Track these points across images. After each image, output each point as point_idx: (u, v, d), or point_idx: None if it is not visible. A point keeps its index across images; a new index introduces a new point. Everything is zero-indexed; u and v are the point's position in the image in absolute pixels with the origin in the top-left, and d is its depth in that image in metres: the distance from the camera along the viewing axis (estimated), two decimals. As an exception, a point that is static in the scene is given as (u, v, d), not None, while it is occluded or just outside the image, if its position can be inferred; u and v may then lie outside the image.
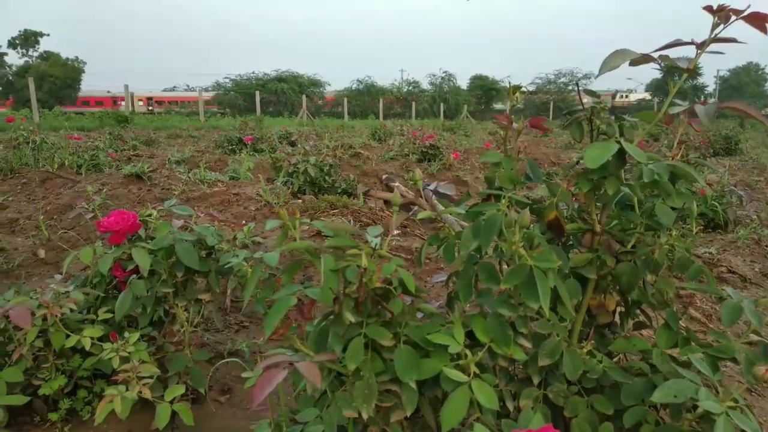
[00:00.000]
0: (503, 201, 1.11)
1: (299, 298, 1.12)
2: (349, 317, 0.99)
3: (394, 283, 1.06)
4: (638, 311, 1.36)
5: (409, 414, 1.05)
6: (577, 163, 1.25)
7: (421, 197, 4.18)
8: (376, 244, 1.12)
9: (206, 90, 40.31)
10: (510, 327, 1.07)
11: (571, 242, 1.34)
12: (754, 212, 4.55)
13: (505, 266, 1.16)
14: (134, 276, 1.79)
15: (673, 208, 1.20)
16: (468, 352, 1.05)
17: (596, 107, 1.20)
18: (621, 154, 1.13)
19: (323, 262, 1.05)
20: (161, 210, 1.85)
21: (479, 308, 1.16)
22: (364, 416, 1.03)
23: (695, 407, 1.06)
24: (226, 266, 1.82)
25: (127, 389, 1.50)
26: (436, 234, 1.27)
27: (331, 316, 1.10)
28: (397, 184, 5.76)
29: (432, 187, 3.93)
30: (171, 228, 1.80)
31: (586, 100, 1.30)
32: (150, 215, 1.86)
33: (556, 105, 40.47)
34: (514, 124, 1.30)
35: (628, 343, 1.22)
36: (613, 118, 1.21)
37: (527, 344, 1.09)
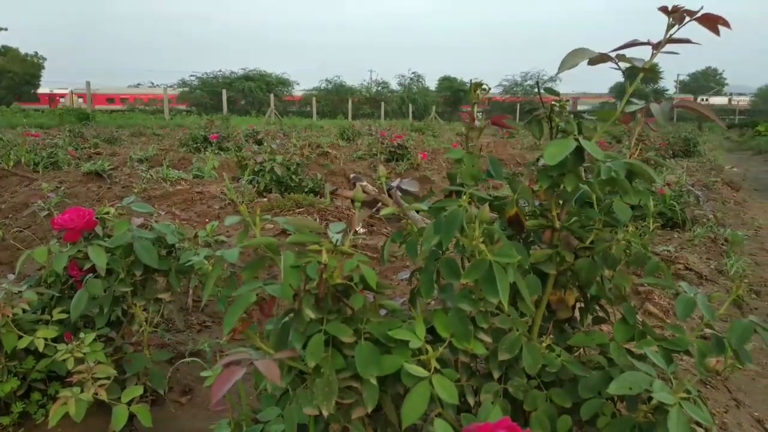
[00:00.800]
0: (464, 197, 1.11)
1: (261, 297, 1.10)
2: (309, 314, 0.98)
3: (355, 279, 1.05)
4: (597, 306, 1.38)
5: (369, 410, 1.05)
6: (537, 160, 1.27)
7: (385, 194, 4.19)
8: (337, 241, 1.11)
9: (171, 87, 39.60)
10: (471, 322, 1.08)
11: (531, 239, 1.35)
12: (711, 211, 4.69)
13: (467, 262, 1.16)
14: (90, 275, 1.74)
15: (631, 207, 1.23)
16: (429, 347, 1.05)
17: (555, 106, 1.22)
18: (579, 151, 1.15)
19: (283, 259, 1.04)
20: (120, 207, 1.81)
21: (442, 305, 1.16)
22: (325, 413, 1.02)
23: (650, 399, 1.08)
24: (186, 264, 1.78)
25: (82, 391, 1.46)
26: (400, 231, 1.27)
27: (292, 314, 1.09)
28: (364, 183, 5.75)
29: (395, 183, 3.94)
30: (130, 226, 1.76)
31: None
32: (107, 213, 1.81)
33: (522, 107, 41.06)
34: (477, 122, 1.31)
35: (586, 337, 1.24)
36: (572, 116, 1.22)
37: (487, 339, 1.09)
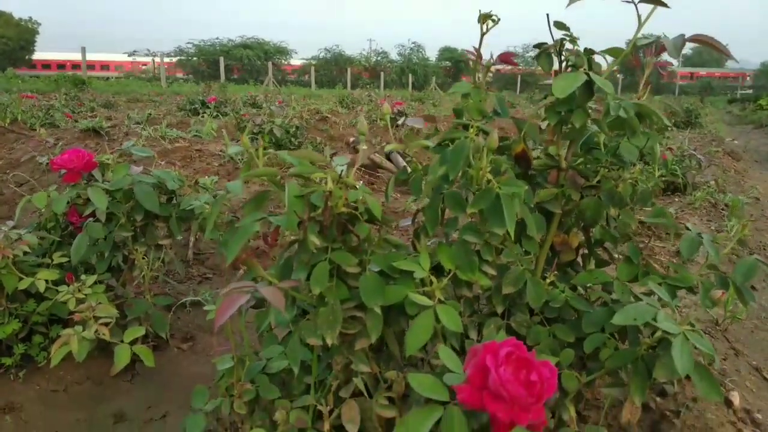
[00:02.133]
0: (471, 129, 1.10)
1: (264, 233, 1.09)
2: (315, 241, 0.97)
3: (360, 209, 1.04)
4: (600, 250, 1.38)
5: (373, 340, 1.05)
6: (545, 97, 1.25)
7: (389, 130, 4.16)
8: (342, 172, 1.09)
9: (168, 55, 39.02)
10: (475, 254, 1.07)
11: (537, 180, 1.34)
12: (712, 177, 4.69)
13: (471, 197, 1.15)
14: (91, 219, 1.72)
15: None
16: (433, 278, 1.05)
17: (565, 39, 1.19)
18: (588, 86, 1.13)
19: (288, 188, 1.03)
20: (119, 151, 1.79)
21: (446, 239, 1.15)
22: (329, 342, 1.02)
23: (653, 333, 1.08)
24: (187, 209, 1.77)
25: (84, 330, 1.46)
26: (404, 169, 1.25)
27: (296, 245, 1.08)
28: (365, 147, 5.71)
29: (400, 122, 3.92)
30: (129, 170, 1.74)
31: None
32: (107, 158, 1.79)
33: (524, 79, 40.68)
34: (484, 59, 1.28)
35: (590, 276, 1.23)
36: (582, 50, 1.20)
37: (492, 271, 1.09)
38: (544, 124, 1.27)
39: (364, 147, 1.19)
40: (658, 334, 1.07)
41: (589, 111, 1.19)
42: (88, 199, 1.63)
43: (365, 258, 1.06)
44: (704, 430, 1.21)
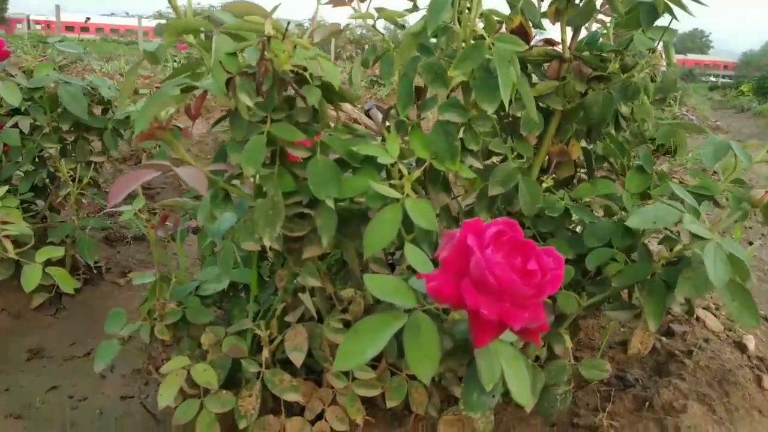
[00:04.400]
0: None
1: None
2: (246, 100, 0.73)
3: (311, 71, 0.80)
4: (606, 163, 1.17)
5: (326, 245, 0.83)
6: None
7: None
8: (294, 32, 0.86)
9: (147, 18, 37.72)
10: (458, 140, 0.85)
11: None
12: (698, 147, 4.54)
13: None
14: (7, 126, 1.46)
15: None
16: (403, 167, 0.83)
17: None
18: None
19: (216, 42, 0.78)
20: (42, 47, 1.52)
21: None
22: (267, 244, 0.80)
23: (671, 249, 0.88)
24: (123, 119, 1.52)
25: (-15, 245, 1.21)
26: (372, 47, 1.02)
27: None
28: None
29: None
30: (54, 71, 1.48)
31: None
32: (27, 56, 1.53)
33: None
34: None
35: (592, 187, 1.02)
36: None
37: (477, 163, 0.87)
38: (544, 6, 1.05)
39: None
40: (678, 248, 0.87)
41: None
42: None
43: (317, 140, 0.83)
44: (720, 372, 1.03)
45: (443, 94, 0.84)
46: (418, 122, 0.87)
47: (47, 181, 1.61)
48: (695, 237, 0.79)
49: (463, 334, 0.71)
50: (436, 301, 0.58)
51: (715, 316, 1.29)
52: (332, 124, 0.88)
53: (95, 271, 1.66)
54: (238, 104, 0.76)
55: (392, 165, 0.84)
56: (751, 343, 1.18)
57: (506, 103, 0.75)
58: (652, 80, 1.02)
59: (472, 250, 0.54)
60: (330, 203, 0.79)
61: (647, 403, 0.96)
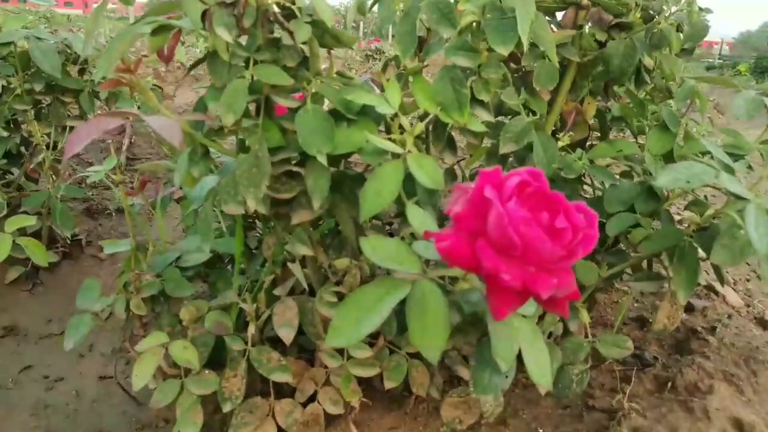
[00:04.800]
0: None
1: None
2: (224, 35, 0.63)
3: (299, 3, 0.70)
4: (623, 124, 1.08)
5: (317, 207, 0.73)
6: None
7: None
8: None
9: (139, -7, 36.97)
10: (467, 89, 0.75)
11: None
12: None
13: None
14: (-25, 87, 1.36)
15: None
16: (404, 121, 0.73)
17: None
18: None
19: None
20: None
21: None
22: (250, 206, 0.70)
23: (702, 214, 0.79)
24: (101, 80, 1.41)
25: (-53, 213, 1.12)
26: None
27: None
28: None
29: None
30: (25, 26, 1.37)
31: None
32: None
33: None
34: None
35: (610, 147, 0.93)
36: None
37: (487, 116, 0.77)
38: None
39: None
40: (710, 212, 0.78)
41: None
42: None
43: (306, 88, 0.73)
44: (747, 350, 0.95)
45: (451, 35, 0.74)
46: (420, 67, 0.77)
47: (22, 148, 1.51)
48: (733, 199, 0.71)
49: (473, 306, 0.62)
50: (447, 263, 0.49)
51: (734, 290, 1.21)
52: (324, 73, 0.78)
53: (75, 245, 1.57)
54: (216, 41, 0.66)
55: (393, 118, 0.75)
56: (775, 319, 1.10)
57: (525, 42, 0.65)
58: (678, 29, 0.93)
59: (490, 203, 0.45)
60: (322, 160, 0.70)
61: (669, 384, 0.88)
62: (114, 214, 1.76)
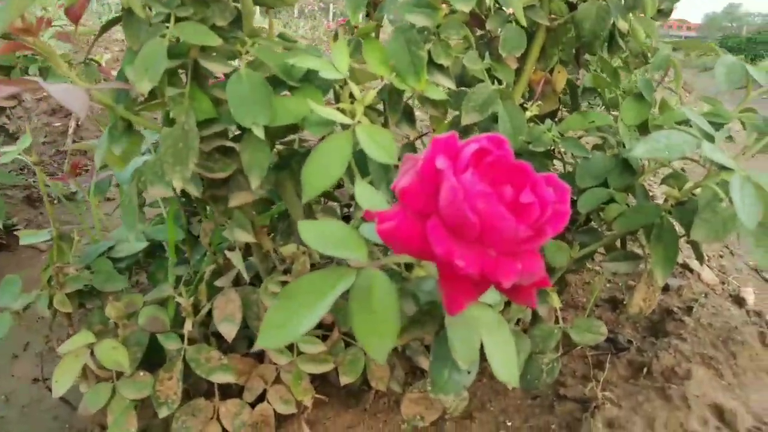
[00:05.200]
0: None
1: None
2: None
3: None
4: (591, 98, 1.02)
5: (255, 187, 0.65)
6: None
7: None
8: None
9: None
10: (424, 51, 0.67)
11: None
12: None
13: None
14: None
15: None
16: (355, 88, 0.65)
17: None
18: None
19: None
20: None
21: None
22: (177, 186, 0.61)
23: (680, 188, 0.73)
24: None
25: None
26: None
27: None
28: None
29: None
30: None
31: None
32: None
33: None
34: None
35: (582, 118, 0.86)
36: None
37: (447, 82, 0.69)
38: None
39: None
40: (689, 185, 0.72)
41: None
42: None
43: (240, 49, 0.64)
44: (725, 330, 0.90)
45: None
46: (372, 27, 0.68)
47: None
48: (714, 170, 0.65)
49: (430, 294, 0.55)
50: (392, 248, 0.41)
51: (708, 267, 1.17)
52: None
53: (12, 235, 1.45)
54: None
55: (341, 85, 0.66)
56: (750, 296, 1.06)
57: (485, -4, 0.58)
58: (654, -11, 0.86)
59: (443, 175, 0.37)
60: (258, 132, 0.61)
61: (645, 369, 0.83)
62: (56, 201, 1.64)
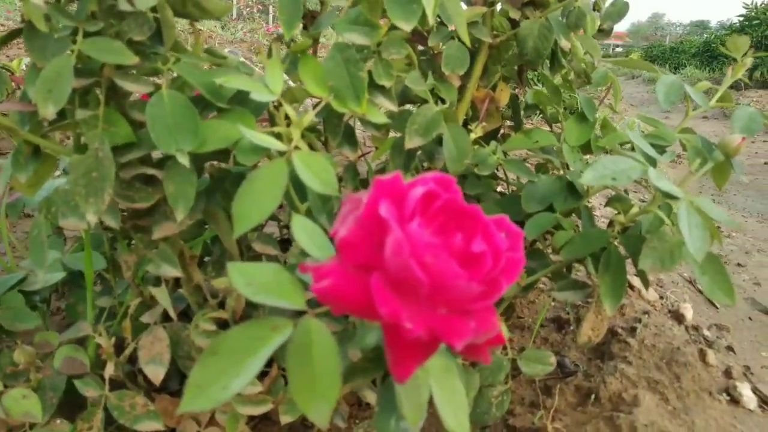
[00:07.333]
0: None
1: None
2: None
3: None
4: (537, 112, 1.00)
5: (182, 218, 0.59)
6: None
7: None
8: None
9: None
10: (364, 72, 0.63)
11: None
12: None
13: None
14: None
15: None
16: (291, 110, 0.60)
17: None
18: None
19: None
20: None
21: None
22: (90, 220, 0.55)
23: (626, 212, 0.72)
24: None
25: None
26: None
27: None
28: None
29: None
30: None
31: None
32: None
33: None
34: None
35: (526, 138, 0.84)
36: None
37: (390, 104, 0.66)
38: None
39: None
40: (633, 210, 0.71)
41: None
42: None
43: (163, 68, 0.58)
44: (669, 351, 0.90)
45: (343, 4, 0.61)
46: (307, 44, 0.64)
47: None
48: (659, 195, 0.64)
49: (375, 338, 0.51)
50: (332, 309, 0.37)
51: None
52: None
53: None
54: (28, 6, 0.50)
55: (276, 106, 0.61)
56: (688, 312, 1.08)
57: (430, 16, 0.54)
58: (595, 8, 0.85)
59: (387, 224, 0.33)
60: (183, 160, 0.55)
61: (593, 396, 0.82)
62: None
